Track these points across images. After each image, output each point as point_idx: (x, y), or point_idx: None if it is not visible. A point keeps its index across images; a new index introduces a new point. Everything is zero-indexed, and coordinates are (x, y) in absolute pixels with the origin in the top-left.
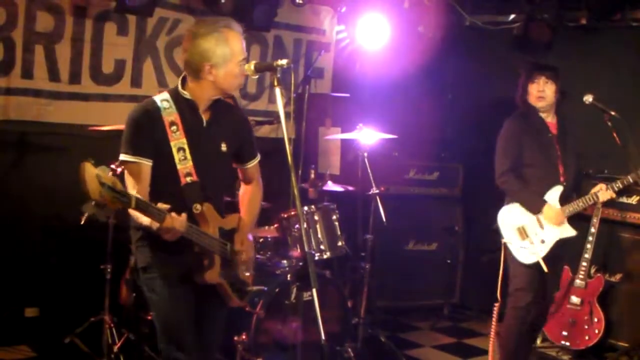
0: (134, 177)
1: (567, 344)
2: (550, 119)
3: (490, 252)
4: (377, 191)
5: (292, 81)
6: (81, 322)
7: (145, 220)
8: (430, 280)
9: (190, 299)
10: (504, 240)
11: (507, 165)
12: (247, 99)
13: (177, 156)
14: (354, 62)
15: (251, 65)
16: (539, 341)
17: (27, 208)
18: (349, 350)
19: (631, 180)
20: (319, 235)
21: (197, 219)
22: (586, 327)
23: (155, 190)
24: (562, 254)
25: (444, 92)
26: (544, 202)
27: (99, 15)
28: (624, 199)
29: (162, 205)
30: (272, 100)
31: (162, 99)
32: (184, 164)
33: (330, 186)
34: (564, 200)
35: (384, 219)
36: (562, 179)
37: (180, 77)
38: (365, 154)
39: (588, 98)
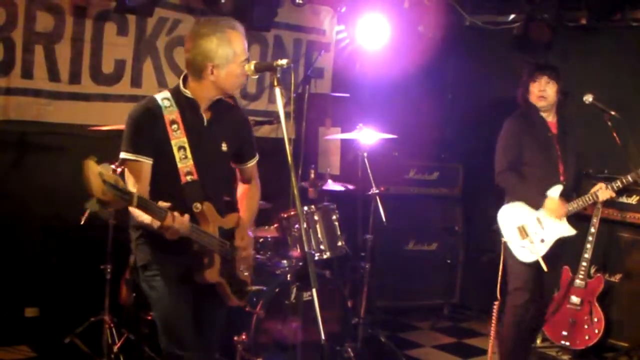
0: (134, 175)
1: (567, 343)
2: (551, 118)
3: (490, 252)
4: (377, 191)
5: (292, 81)
6: (81, 322)
7: (146, 218)
8: (430, 280)
9: (189, 298)
10: (504, 240)
11: (505, 164)
12: (247, 99)
13: (177, 155)
14: (354, 62)
15: (251, 65)
16: (539, 341)
17: (27, 208)
18: (349, 350)
19: (631, 180)
20: (319, 235)
21: (197, 218)
22: (586, 327)
23: (155, 188)
24: (562, 253)
25: (444, 92)
26: (545, 195)
27: (99, 15)
28: (624, 199)
29: (162, 204)
30: (272, 100)
31: (163, 97)
32: (185, 163)
33: (330, 185)
34: (563, 199)
35: (384, 219)
36: (562, 178)
37: (182, 76)
38: (365, 154)
39: (588, 98)
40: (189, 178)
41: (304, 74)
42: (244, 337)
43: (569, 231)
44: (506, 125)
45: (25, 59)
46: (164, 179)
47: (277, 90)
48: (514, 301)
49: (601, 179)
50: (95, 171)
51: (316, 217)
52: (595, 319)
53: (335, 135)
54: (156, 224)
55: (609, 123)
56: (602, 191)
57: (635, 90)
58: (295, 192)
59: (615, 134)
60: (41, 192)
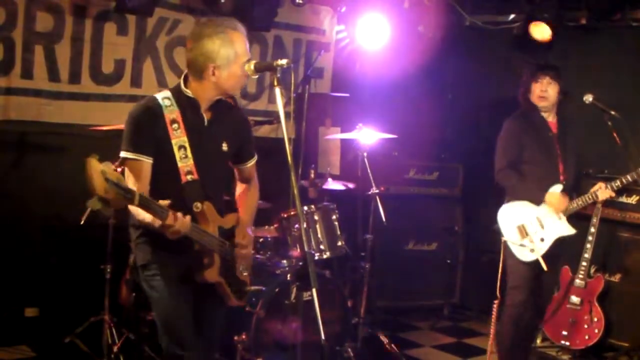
0: (135, 174)
1: (567, 343)
2: (551, 118)
3: (490, 252)
4: (377, 191)
5: (292, 81)
6: (81, 322)
7: (147, 217)
8: (430, 280)
9: (190, 298)
10: (503, 239)
11: (505, 163)
12: (247, 98)
13: (178, 154)
14: (353, 62)
15: (251, 65)
16: (538, 341)
17: (27, 208)
18: (349, 350)
19: (630, 180)
20: (319, 235)
21: (198, 217)
22: (586, 326)
23: (155, 188)
24: (561, 252)
25: (444, 92)
26: (545, 192)
27: (98, 15)
28: (623, 199)
29: (162, 202)
30: (272, 100)
31: (163, 96)
32: (185, 162)
33: (330, 185)
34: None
35: (384, 219)
36: (561, 177)
37: (182, 76)
38: (365, 154)
39: (588, 98)
40: (189, 177)
41: (304, 73)
42: (244, 337)
43: (569, 230)
44: (506, 124)
45: (25, 58)
46: (164, 178)
47: (277, 90)
48: (513, 300)
49: (601, 179)
50: (98, 169)
51: (316, 217)
52: (595, 319)
53: (335, 135)
54: (157, 222)
55: (609, 123)
56: (602, 191)
57: (635, 90)
58: (295, 192)
59: (615, 134)
60: (41, 192)
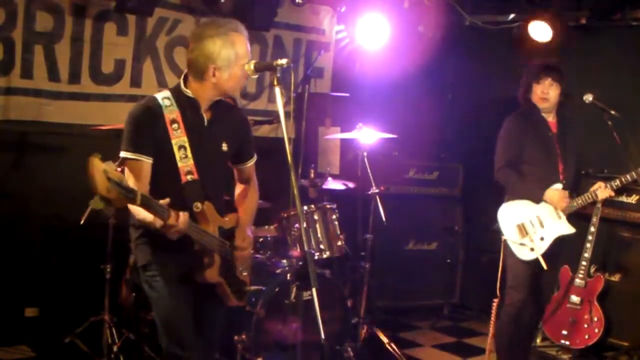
0: (134, 174)
1: (567, 343)
2: (551, 118)
3: (490, 252)
4: (377, 191)
5: (292, 81)
6: (81, 322)
7: (147, 216)
8: (430, 280)
9: (190, 298)
10: (503, 238)
11: (504, 162)
12: (247, 98)
13: (178, 154)
14: (353, 61)
15: (251, 65)
16: (538, 340)
17: (27, 208)
18: (349, 350)
19: (630, 179)
20: (319, 235)
21: (198, 217)
22: (586, 326)
23: (155, 188)
24: (561, 252)
25: (444, 92)
26: (544, 189)
27: (98, 15)
28: (623, 198)
29: (161, 201)
30: (271, 99)
31: (163, 96)
32: (185, 162)
33: (330, 184)
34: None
35: (384, 219)
36: (561, 177)
37: (182, 76)
38: (365, 154)
39: (588, 97)
40: (189, 177)
41: (304, 73)
42: (244, 337)
43: (569, 229)
44: (506, 123)
45: (25, 58)
46: (164, 178)
47: (277, 90)
48: (512, 299)
49: (601, 179)
50: (100, 168)
51: (316, 217)
52: (595, 318)
53: (335, 135)
54: (158, 222)
55: (609, 123)
56: (601, 190)
57: (635, 90)
58: (295, 191)
59: (615, 134)
60: (41, 192)
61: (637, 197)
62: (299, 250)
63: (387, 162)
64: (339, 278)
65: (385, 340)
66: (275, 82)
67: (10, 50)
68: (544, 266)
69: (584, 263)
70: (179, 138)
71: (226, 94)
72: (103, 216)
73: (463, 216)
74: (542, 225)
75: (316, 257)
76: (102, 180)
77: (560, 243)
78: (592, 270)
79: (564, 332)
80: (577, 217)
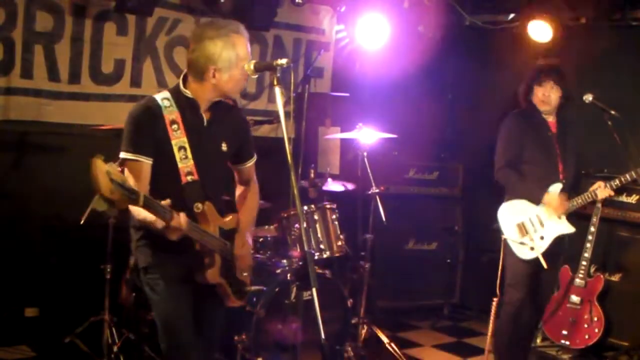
0: (134, 175)
1: (567, 343)
2: (551, 118)
3: (490, 252)
4: (377, 191)
5: (292, 80)
6: (81, 322)
7: (148, 217)
8: (430, 280)
9: (190, 299)
10: (503, 237)
11: (504, 162)
12: (247, 98)
13: (177, 155)
14: (353, 61)
15: (251, 65)
16: (538, 340)
17: (27, 208)
18: (349, 350)
19: (629, 179)
20: (319, 235)
21: (198, 218)
22: (586, 326)
23: (155, 188)
24: (561, 251)
25: (444, 92)
26: (544, 190)
27: (98, 15)
28: (623, 198)
29: (162, 202)
30: (271, 99)
31: (162, 97)
32: (185, 163)
33: (330, 184)
34: (563, 196)
35: (384, 219)
36: (561, 177)
37: (182, 76)
38: (365, 154)
39: (588, 97)
40: (189, 178)
41: (304, 73)
42: (244, 337)
43: (568, 229)
44: (506, 123)
45: (25, 58)
46: (165, 179)
47: (277, 90)
48: (510, 298)
49: (600, 178)
50: (103, 169)
51: (316, 217)
52: (595, 318)
53: (335, 135)
54: (160, 223)
55: (609, 123)
56: (601, 189)
57: (635, 90)
58: (295, 191)
59: (615, 134)
60: (41, 192)
61: (637, 197)
62: (299, 250)
63: (387, 162)
64: (339, 278)
65: (385, 340)
66: (275, 82)
67: (10, 50)
68: (545, 265)
69: (584, 263)
70: (178, 139)
71: (226, 95)
72: (105, 216)
73: (463, 216)
74: (542, 224)
75: (316, 257)
76: (105, 182)
77: (559, 242)
78: (592, 270)
79: (564, 332)
80: (577, 217)
